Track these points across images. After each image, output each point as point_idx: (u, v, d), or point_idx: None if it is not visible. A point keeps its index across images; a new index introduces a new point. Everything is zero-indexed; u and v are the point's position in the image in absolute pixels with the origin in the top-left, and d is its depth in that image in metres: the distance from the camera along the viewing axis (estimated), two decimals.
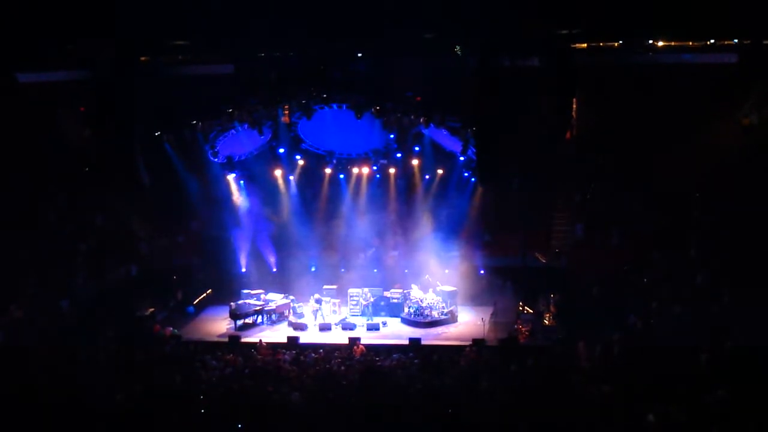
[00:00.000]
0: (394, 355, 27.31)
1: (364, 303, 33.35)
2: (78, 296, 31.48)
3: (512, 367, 24.79)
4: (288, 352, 28.04)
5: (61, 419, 20.27)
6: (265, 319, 32.70)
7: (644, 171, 33.36)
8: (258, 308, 32.64)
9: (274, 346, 28.85)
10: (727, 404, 20.15)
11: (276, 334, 31.28)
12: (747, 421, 19.39)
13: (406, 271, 35.42)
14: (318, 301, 32.86)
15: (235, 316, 32.06)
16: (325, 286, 33.91)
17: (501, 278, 34.12)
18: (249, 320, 32.47)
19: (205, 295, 35.36)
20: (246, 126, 33.06)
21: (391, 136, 34.10)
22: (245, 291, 34.05)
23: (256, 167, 36.19)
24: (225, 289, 35.39)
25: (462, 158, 33.83)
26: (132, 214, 36.00)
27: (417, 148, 35.03)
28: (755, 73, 31.35)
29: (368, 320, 32.45)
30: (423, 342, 29.41)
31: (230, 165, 35.20)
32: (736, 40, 31.08)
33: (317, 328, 31.81)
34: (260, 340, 29.44)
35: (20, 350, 26.23)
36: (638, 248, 32.06)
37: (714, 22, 29.66)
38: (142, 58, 32.81)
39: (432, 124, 32.10)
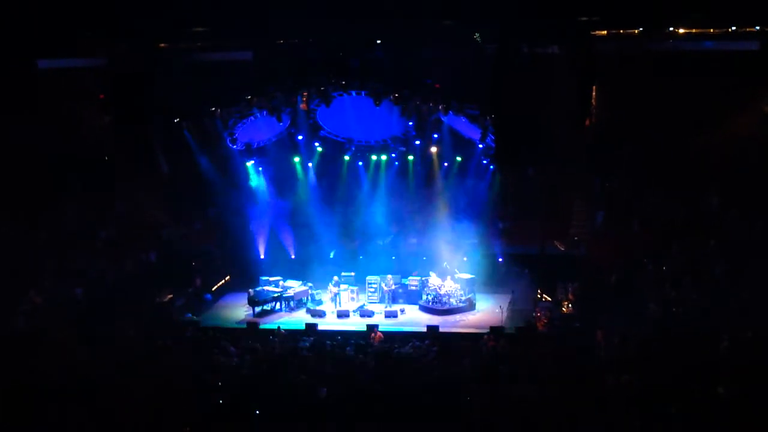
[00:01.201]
0: (412, 343, 27.31)
1: (386, 289, 33.37)
2: (95, 283, 31.56)
3: (530, 355, 24.74)
4: (306, 338, 28.12)
5: (77, 406, 20.38)
6: (283, 305, 32.80)
7: (664, 159, 33.10)
8: (276, 295, 32.74)
9: (292, 333, 28.94)
10: (741, 397, 19.99)
11: (294, 320, 31.37)
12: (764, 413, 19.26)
13: (424, 258, 35.33)
14: (337, 284, 32.98)
15: (253, 302, 32.12)
16: (343, 273, 33.95)
17: (519, 266, 34.11)
18: (267, 307, 32.55)
19: (223, 281, 35.46)
20: (265, 113, 32.97)
21: (410, 123, 34.02)
22: (263, 278, 34.15)
23: (274, 154, 36.23)
24: (243, 275, 35.54)
25: (481, 145, 33.66)
26: (150, 201, 36.07)
27: (436, 136, 34.83)
28: None
29: (386, 307, 32.46)
30: (441, 329, 29.43)
31: (249, 152, 35.22)
32: (758, 27, 30.73)
33: (335, 314, 31.88)
34: (278, 327, 29.51)
35: (39, 336, 26.32)
36: (657, 237, 31.87)
37: (736, 9, 29.36)
38: (161, 45, 32.83)
39: (451, 112, 31.91)
